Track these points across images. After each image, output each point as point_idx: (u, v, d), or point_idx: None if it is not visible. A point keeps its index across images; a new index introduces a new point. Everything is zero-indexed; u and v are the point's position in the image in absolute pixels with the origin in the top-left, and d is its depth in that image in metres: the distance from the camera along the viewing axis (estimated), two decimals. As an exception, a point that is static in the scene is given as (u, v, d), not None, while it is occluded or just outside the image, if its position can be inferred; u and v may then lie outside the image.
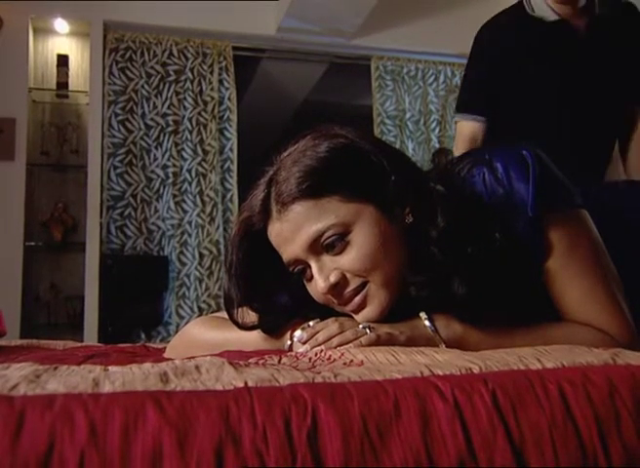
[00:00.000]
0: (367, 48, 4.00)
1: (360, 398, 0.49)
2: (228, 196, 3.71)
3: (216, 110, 3.70)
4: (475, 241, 0.79)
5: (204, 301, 3.53)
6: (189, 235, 3.56)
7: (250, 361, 0.66)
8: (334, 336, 0.78)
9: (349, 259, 0.79)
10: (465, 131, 1.84)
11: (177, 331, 1.69)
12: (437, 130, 4.07)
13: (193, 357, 0.62)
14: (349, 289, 0.81)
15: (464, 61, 2.00)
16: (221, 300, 0.90)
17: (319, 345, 0.78)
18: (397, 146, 3.81)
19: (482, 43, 1.88)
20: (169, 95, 3.63)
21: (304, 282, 0.86)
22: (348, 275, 0.81)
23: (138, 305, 3.53)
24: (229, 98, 3.76)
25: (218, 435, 0.44)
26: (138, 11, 3.57)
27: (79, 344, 1.34)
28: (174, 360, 0.60)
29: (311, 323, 0.84)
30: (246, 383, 0.50)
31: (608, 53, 1.76)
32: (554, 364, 0.58)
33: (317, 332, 0.80)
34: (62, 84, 3.52)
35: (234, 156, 3.74)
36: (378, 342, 0.76)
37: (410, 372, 0.55)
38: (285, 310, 0.88)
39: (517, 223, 0.82)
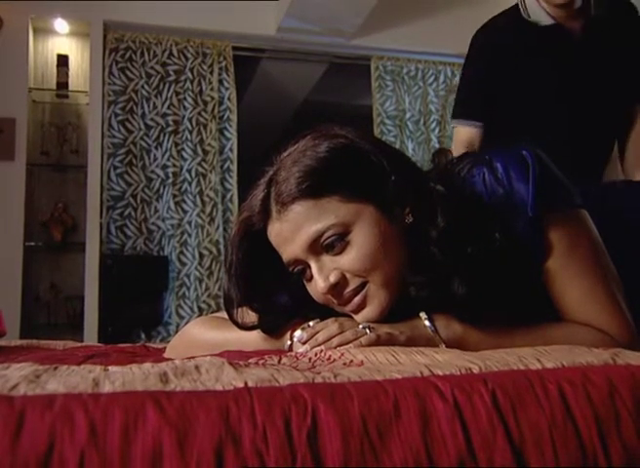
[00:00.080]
0: (367, 48, 4.00)
1: (360, 398, 0.49)
2: (228, 196, 3.72)
3: (216, 110, 3.70)
4: (475, 241, 0.79)
5: (204, 301, 3.53)
6: (189, 235, 3.56)
7: (250, 361, 0.66)
8: (334, 337, 0.78)
9: (349, 259, 0.79)
10: (462, 136, 1.84)
11: (177, 332, 1.70)
12: (437, 130, 4.07)
13: (193, 357, 0.62)
14: (349, 289, 0.81)
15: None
16: (221, 300, 0.90)
17: (319, 345, 0.78)
18: (397, 146, 3.81)
19: (478, 46, 1.87)
20: (169, 95, 3.63)
21: (304, 282, 0.86)
22: (348, 275, 0.81)
23: (138, 305, 3.52)
24: (229, 98, 3.76)
25: (218, 435, 0.44)
26: (138, 11, 3.57)
27: (79, 344, 1.34)
28: (174, 360, 0.60)
29: (311, 323, 0.84)
30: (246, 383, 0.50)
31: (604, 54, 1.76)
32: (554, 364, 0.58)
33: (317, 333, 0.80)
34: (62, 84, 3.52)
35: (234, 156, 3.74)
36: (377, 342, 0.76)
37: (410, 373, 0.55)
38: (285, 310, 0.88)
39: (517, 223, 0.82)
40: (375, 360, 0.64)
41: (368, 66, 4.07)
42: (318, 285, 0.81)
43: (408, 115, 4.05)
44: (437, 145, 4.02)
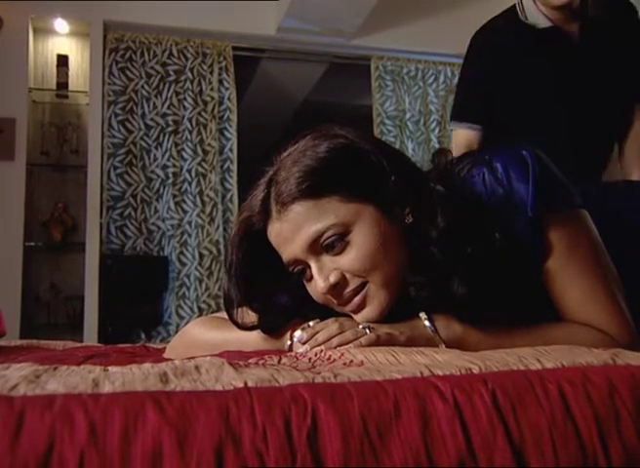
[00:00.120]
0: (367, 48, 4.00)
1: (360, 398, 0.49)
2: (228, 196, 3.71)
3: (216, 110, 3.70)
4: (475, 241, 0.79)
5: (204, 301, 3.53)
6: (189, 235, 3.56)
7: (250, 361, 0.66)
8: (333, 337, 0.78)
9: (349, 260, 0.79)
10: (461, 139, 1.84)
11: (176, 332, 1.70)
12: (437, 130, 4.07)
13: (193, 357, 0.62)
14: (349, 289, 0.81)
15: (464, 62, 2.00)
16: (221, 301, 0.90)
17: (319, 345, 0.78)
18: (397, 146, 3.81)
19: (477, 48, 1.87)
20: (169, 95, 3.63)
21: (304, 282, 0.86)
22: (348, 275, 0.81)
23: (137, 305, 3.52)
24: (229, 98, 3.76)
25: (217, 435, 0.44)
26: (137, 11, 3.57)
27: (79, 344, 1.34)
28: (173, 360, 0.60)
29: (311, 323, 0.84)
30: (246, 383, 0.50)
31: (602, 56, 1.75)
32: (554, 364, 0.58)
33: (317, 333, 0.80)
34: (62, 84, 3.52)
35: (234, 156, 3.74)
36: (377, 342, 0.76)
37: (410, 373, 0.55)
38: (285, 310, 0.88)
39: (517, 223, 0.82)
40: (375, 360, 0.64)
41: (368, 66, 4.07)
42: (318, 285, 0.81)
43: (408, 115, 4.05)
44: (437, 145, 4.02)
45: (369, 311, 0.81)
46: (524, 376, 0.54)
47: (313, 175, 0.79)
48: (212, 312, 3.29)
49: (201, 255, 3.55)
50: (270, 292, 0.89)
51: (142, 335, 3.45)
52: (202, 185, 3.61)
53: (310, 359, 0.68)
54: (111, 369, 0.54)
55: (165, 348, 1.06)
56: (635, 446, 0.51)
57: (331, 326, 0.81)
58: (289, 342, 0.84)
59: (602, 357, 0.61)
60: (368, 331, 0.78)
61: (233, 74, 3.79)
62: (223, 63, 3.77)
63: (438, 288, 0.79)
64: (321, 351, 0.72)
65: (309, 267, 0.82)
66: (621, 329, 0.83)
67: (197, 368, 0.54)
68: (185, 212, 3.58)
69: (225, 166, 3.73)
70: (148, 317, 3.52)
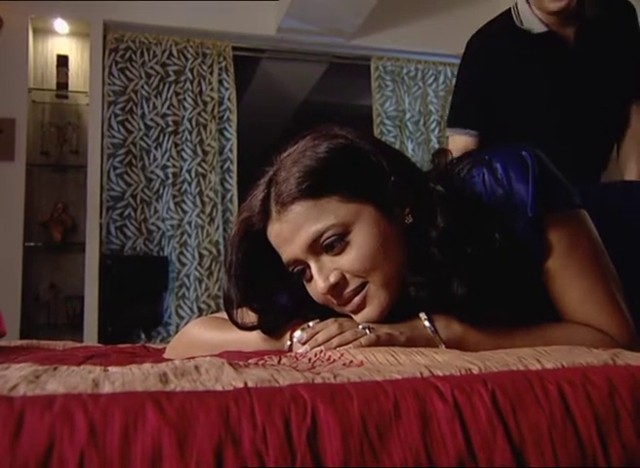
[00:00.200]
0: (367, 48, 4.00)
1: (360, 398, 0.49)
2: (228, 196, 3.71)
3: (215, 110, 3.70)
4: (475, 241, 0.79)
5: (204, 302, 3.53)
6: (189, 235, 3.56)
7: (249, 361, 0.66)
8: (333, 337, 0.78)
9: (349, 260, 0.80)
10: (458, 145, 1.83)
11: (176, 332, 1.70)
12: (437, 130, 4.08)
13: (193, 357, 0.62)
14: (349, 289, 0.81)
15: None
16: (221, 301, 0.90)
17: (319, 346, 0.78)
18: (397, 147, 3.81)
19: (473, 52, 1.87)
20: (168, 95, 3.63)
21: (304, 282, 0.86)
22: (348, 275, 0.81)
23: (137, 306, 3.52)
24: (229, 99, 3.76)
25: (217, 435, 0.44)
26: (137, 11, 3.57)
27: (79, 345, 1.34)
28: (173, 360, 0.60)
29: (311, 323, 0.84)
30: (246, 384, 0.50)
31: (598, 58, 1.75)
32: (554, 364, 0.58)
33: (317, 333, 0.80)
34: (62, 84, 3.52)
35: (234, 156, 3.74)
36: (377, 343, 0.76)
37: (409, 373, 0.55)
38: (285, 311, 0.88)
39: (517, 224, 0.82)
40: (374, 360, 0.64)
41: (368, 66, 4.07)
42: (318, 285, 0.81)
43: (408, 115, 4.05)
44: (437, 146, 4.02)
45: (369, 311, 0.81)
46: (524, 377, 0.54)
47: (313, 175, 0.79)
48: (211, 312, 3.29)
49: (201, 256, 3.55)
50: (270, 292, 0.89)
51: (142, 336, 3.45)
52: (202, 186, 3.61)
53: (310, 359, 0.68)
54: (111, 369, 0.54)
55: (165, 348, 1.06)
56: (634, 446, 0.51)
57: (330, 326, 0.81)
58: (289, 343, 0.84)
59: (602, 357, 0.61)
60: (368, 331, 0.78)
61: (233, 74, 3.79)
62: (223, 64, 3.77)
63: (438, 288, 0.79)
64: (321, 351, 0.72)
65: (309, 267, 0.82)
66: (621, 329, 0.83)
67: (197, 368, 0.54)
68: (185, 212, 3.58)
69: (225, 166, 3.73)
70: (148, 317, 3.52)
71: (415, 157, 3.92)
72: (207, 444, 0.43)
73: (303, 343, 0.80)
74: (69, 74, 3.54)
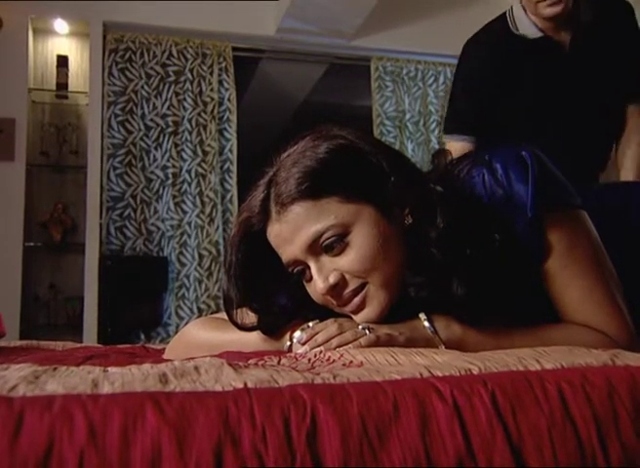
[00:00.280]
0: (366, 49, 4.00)
1: (359, 399, 0.49)
2: (228, 197, 3.72)
3: (215, 111, 3.70)
4: (475, 242, 0.79)
5: (203, 302, 3.53)
6: (189, 236, 3.56)
7: (249, 362, 0.66)
8: (333, 337, 0.78)
9: (348, 260, 0.80)
10: (454, 151, 1.83)
11: (176, 332, 1.70)
12: (437, 131, 4.07)
13: (192, 358, 0.62)
14: (348, 290, 0.81)
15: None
16: (221, 301, 0.90)
17: (318, 346, 0.78)
18: (397, 147, 3.81)
19: (468, 58, 1.87)
20: (168, 95, 3.63)
21: (304, 283, 0.86)
22: (347, 276, 0.81)
23: (137, 306, 3.52)
24: (229, 99, 3.76)
25: (217, 436, 0.44)
26: (137, 11, 3.57)
27: (78, 345, 1.34)
28: (173, 361, 0.60)
29: (311, 324, 0.84)
30: (245, 384, 0.50)
31: (594, 62, 1.74)
32: (553, 365, 0.58)
33: (316, 333, 0.80)
34: (62, 85, 3.52)
35: (234, 157, 3.74)
36: (377, 343, 0.76)
37: (409, 373, 0.55)
38: (284, 311, 0.88)
39: (517, 224, 0.82)
40: (374, 361, 0.64)
41: (367, 67, 4.07)
42: (317, 286, 0.81)
43: (407, 116, 4.06)
44: (437, 146, 4.02)
45: (368, 312, 0.81)
46: (523, 377, 0.54)
47: (313, 175, 0.79)
48: (211, 313, 3.29)
49: (201, 256, 3.55)
50: (270, 292, 0.89)
51: (142, 336, 3.45)
52: (202, 186, 3.61)
53: (310, 360, 0.68)
54: (111, 369, 0.54)
55: (164, 349, 1.06)
56: (634, 446, 0.51)
57: (330, 326, 0.81)
58: (288, 343, 0.84)
59: (601, 358, 0.61)
60: (367, 331, 0.78)
61: (233, 75, 3.79)
62: (223, 64, 3.77)
63: (438, 288, 0.79)
64: (320, 352, 0.72)
65: (309, 268, 0.82)
66: (620, 329, 0.83)
67: (197, 368, 0.54)
68: (185, 212, 3.58)
69: (225, 166, 3.73)
70: (148, 318, 3.52)
71: (414, 157, 3.93)
72: (206, 444, 0.43)
73: (303, 344, 0.80)
74: (69, 74, 3.55)
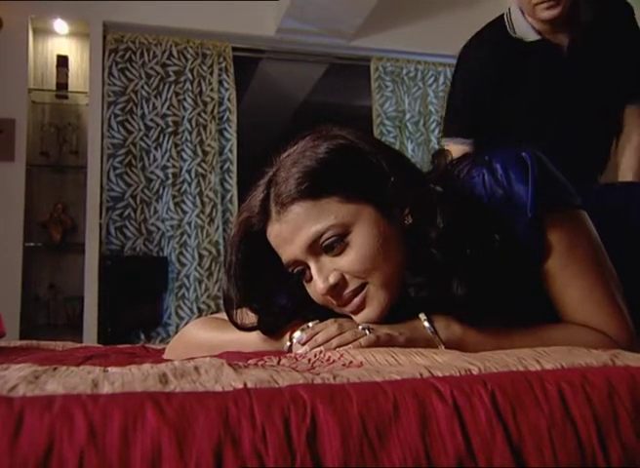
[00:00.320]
0: (366, 49, 4.00)
1: (359, 399, 0.49)
2: (228, 197, 3.71)
3: (215, 111, 3.70)
4: (474, 242, 0.79)
5: (203, 302, 3.53)
6: (189, 236, 3.56)
7: (249, 362, 0.66)
8: (333, 338, 0.78)
9: (348, 261, 0.80)
10: (456, 154, 1.83)
11: (176, 332, 1.70)
12: (437, 131, 4.07)
13: (192, 358, 0.62)
14: (348, 290, 0.81)
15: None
16: (221, 301, 0.90)
17: (318, 346, 0.78)
18: (397, 147, 3.81)
19: (465, 62, 1.87)
20: (168, 95, 3.63)
21: (304, 283, 0.86)
22: (347, 276, 0.81)
23: (137, 306, 3.52)
24: (229, 99, 3.76)
25: (217, 436, 0.44)
26: (137, 11, 3.57)
27: (78, 345, 1.34)
28: (173, 361, 0.60)
29: (311, 324, 0.84)
30: (245, 384, 0.50)
31: (592, 64, 1.74)
32: (553, 365, 0.58)
33: (316, 334, 0.80)
34: (62, 85, 3.52)
35: (234, 157, 3.74)
36: (377, 343, 0.76)
37: (409, 374, 0.55)
38: (284, 311, 0.88)
39: (517, 224, 0.82)
40: (374, 361, 0.64)
41: (367, 67, 4.07)
42: (317, 286, 0.81)
43: (407, 116, 4.06)
44: (437, 146, 4.01)
45: (368, 312, 0.81)
46: (523, 377, 0.54)
47: (313, 175, 0.79)
48: (211, 313, 3.29)
49: (201, 256, 3.55)
50: (270, 292, 0.89)
51: (142, 336, 3.45)
52: (202, 186, 3.61)
53: (310, 360, 0.68)
54: (111, 369, 0.54)
55: (164, 349, 1.06)
56: (634, 446, 0.51)
57: (330, 327, 0.81)
58: (288, 343, 0.84)
59: (601, 358, 0.61)
60: (367, 331, 0.78)
61: (233, 75, 3.79)
62: (223, 64, 3.77)
63: (438, 288, 0.79)
64: (320, 352, 0.72)
65: (309, 268, 0.82)
66: (620, 329, 0.83)
67: (197, 368, 0.54)
68: (185, 212, 3.58)
69: (225, 166, 3.73)
70: (148, 318, 3.52)
71: (414, 157, 3.92)
72: (206, 444, 0.43)
73: (303, 344, 0.80)
74: (69, 74, 3.55)
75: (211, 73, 3.73)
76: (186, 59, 3.70)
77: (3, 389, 0.46)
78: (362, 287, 0.81)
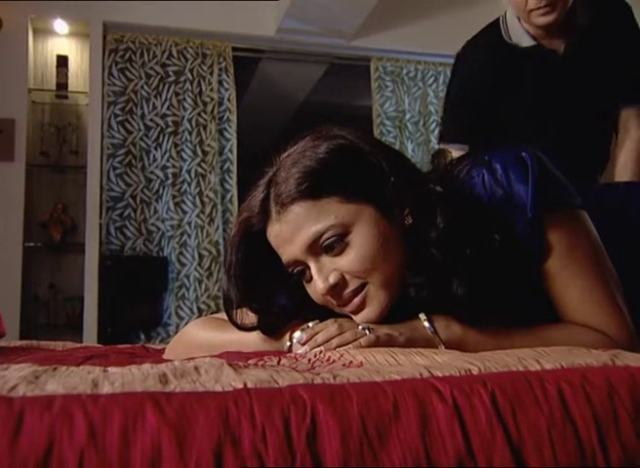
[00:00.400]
0: (366, 49, 4.00)
1: (359, 399, 0.49)
2: (228, 197, 3.72)
3: (215, 111, 3.70)
4: (474, 242, 0.79)
5: (203, 302, 3.53)
6: (189, 236, 3.56)
7: (249, 362, 0.66)
8: (333, 338, 0.78)
9: (348, 261, 0.79)
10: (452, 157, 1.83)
11: (176, 332, 1.70)
12: (437, 131, 4.07)
13: (192, 358, 0.62)
14: (348, 290, 0.81)
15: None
16: (221, 301, 0.90)
17: (318, 346, 0.78)
18: (397, 147, 3.81)
19: (460, 68, 1.87)
20: (168, 95, 3.63)
21: (304, 283, 0.86)
22: (347, 276, 0.81)
23: (137, 306, 3.52)
24: (229, 99, 3.76)
25: (217, 436, 0.44)
26: (137, 11, 3.57)
27: (78, 345, 1.34)
28: (173, 361, 0.60)
29: (311, 324, 0.84)
30: (245, 384, 0.50)
31: (588, 68, 1.73)
32: (553, 365, 0.58)
33: (316, 334, 0.80)
34: (62, 85, 3.52)
35: (234, 157, 3.74)
36: (377, 343, 0.76)
37: (409, 374, 0.55)
38: (284, 311, 0.88)
39: (516, 224, 0.82)
40: (374, 361, 0.64)
41: (367, 67, 4.07)
42: (317, 286, 0.81)
43: (407, 116, 4.06)
44: (437, 146, 4.01)
45: (368, 312, 0.81)
46: (523, 377, 0.54)
47: (313, 175, 0.79)
48: (211, 313, 3.29)
49: (200, 256, 3.55)
50: (270, 292, 0.89)
51: (142, 336, 3.45)
52: (202, 186, 3.61)
53: (310, 360, 0.68)
54: (111, 369, 0.54)
55: (164, 349, 1.06)
56: (634, 446, 0.51)
57: (330, 327, 0.81)
58: (288, 343, 0.84)
59: (601, 358, 0.61)
60: (367, 331, 0.78)
61: (233, 75, 3.79)
62: (223, 64, 3.77)
63: (438, 288, 0.79)
64: (320, 352, 0.72)
65: (309, 268, 0.82)
66: (620, 329, 0.83)
67: (196, 368, 0.54)
68: (185, 212, 3.58)
69: (225, 166, 3.73)
70: (148, 318, 3.52)
71: (414, 158, 3.92)
72: (206, 444, 0.43)
73: (303, 344, 0.80)
74: (69, 74, 3.55)
75: (211, 73, 3.73)
76: (186, 59, 3.70)
77: (3, 389, 0.46)
78: (362, 287, 0.81)
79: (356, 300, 0.81)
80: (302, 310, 0.88)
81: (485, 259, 0.79)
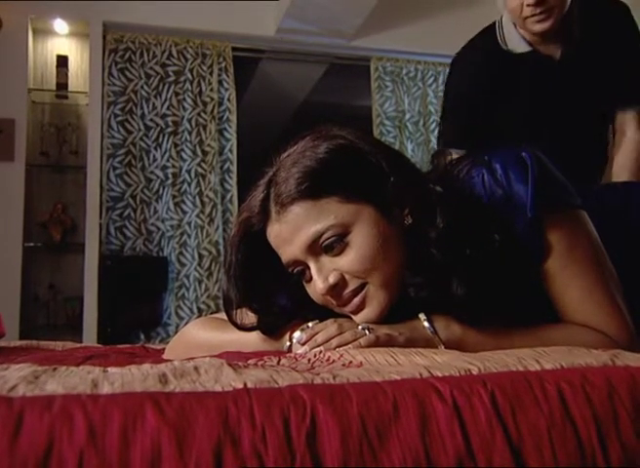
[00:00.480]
0: (366, 49, 4.00)
1: (359, 399, 0.49)
2: (228, 197, 3.71)
3: (215, 111, 3.70)
4: (474, 242, 0.79)
5: (203, 302, 3.53)
6: (189, 236, 3.56)
7: (249, 362, 0.66)
8: (333, 338, 0.78)
9: (348, 261, 0.80)
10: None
11: (176, 332, 1.70)
12: (436, 131, 4.07)
13: (192, 358, 0.62)
14: (348, 290, 0.81)
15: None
16: (221, 301, 0.90)
17: (318, 346, 0.78)
18: (396, 147, 3.81)
19: (456, 73, 1.87)
20: (168, 95, 3.63)
21: (304, 283, 0.86)
22: (347, 276, 0.81)
23: (137, 306, 3.52)
24: (229, 99, 3.76)
25: (216, 436, 0.44)
26: (137, 11, 3.57)
27: (78, 345, 1.34)
28: (173, 361, 0.60)
29: (310, 324, 0.84)
30: (245, 384, 0.50)
31: (584, 73, 1.73)
32: (553, 365, 0.58)
33: (316, 334, 0.80)
34: (62, 85, 3.52)
35: (234, 157, 3.74)
36: (377, 343, 0.76)
37: (409, 374, 0.55)
38: (284, 311, 0.88)
39: (516, 224, 0.82)
40: (374, 361, 0.64)
41: (367, 67, 4.07)
42: (317, 286, 0.81)
43: (407, 116, 4.05)
44: (436, 146, 4.02)
45: (368, 312, 0.81)
46: (523, 377, 0.54)
47: (312, 175, 0.79)
48: (211, 313, 3.29)
49: (200, 256, 3.55)
50: (270, 292, 0.89)
51: (142, 336, 3.44)
52: (201, 186, 3.61)
53: (309, 360, 0.68)
54: (110, 369, 0.54)
55: (164, 349, 1.06)
56: (634, 446, 0.51)
57: (330, 327, 0.81)
58: (288, 343, 0.84)
59: (601, 358, 0.61)
60: (367, 331, 0.78)
61: (233, 75, 3.79)
62: (223, 64, 3.77)
63: (437, 288, 0.79)
64: (320, 352, 0.72)
65: (309, 268, 0.82)
66: (620, 329, 0.83)
67: (196, 368, 0.54)
68: (185, 212, 3.57)
69: (225, 166, 3.73)
70: (148, 318, 3.52)
71: (414, 158, 3.92)
72: (206, 444, 0.43)
73: (303, 344, 0.80)
74: (69, 74, 3.54)
75: (211, 73, 3.73)
76: (186, 59, 3.70)
77: (3, 389, 0.46)
78: (362, 287, 0.81)
79: (356, 300, 0.81)
80: (302, 310, 0.88)
81: (485, 259, 0.79)
